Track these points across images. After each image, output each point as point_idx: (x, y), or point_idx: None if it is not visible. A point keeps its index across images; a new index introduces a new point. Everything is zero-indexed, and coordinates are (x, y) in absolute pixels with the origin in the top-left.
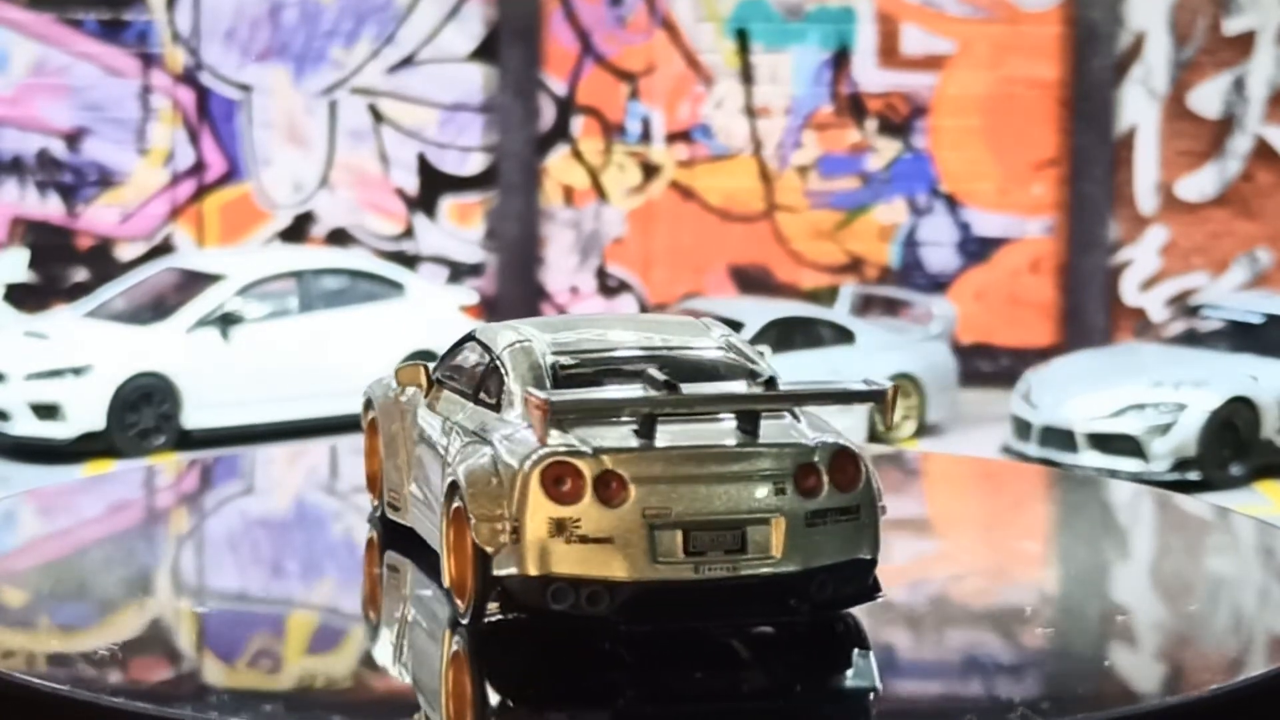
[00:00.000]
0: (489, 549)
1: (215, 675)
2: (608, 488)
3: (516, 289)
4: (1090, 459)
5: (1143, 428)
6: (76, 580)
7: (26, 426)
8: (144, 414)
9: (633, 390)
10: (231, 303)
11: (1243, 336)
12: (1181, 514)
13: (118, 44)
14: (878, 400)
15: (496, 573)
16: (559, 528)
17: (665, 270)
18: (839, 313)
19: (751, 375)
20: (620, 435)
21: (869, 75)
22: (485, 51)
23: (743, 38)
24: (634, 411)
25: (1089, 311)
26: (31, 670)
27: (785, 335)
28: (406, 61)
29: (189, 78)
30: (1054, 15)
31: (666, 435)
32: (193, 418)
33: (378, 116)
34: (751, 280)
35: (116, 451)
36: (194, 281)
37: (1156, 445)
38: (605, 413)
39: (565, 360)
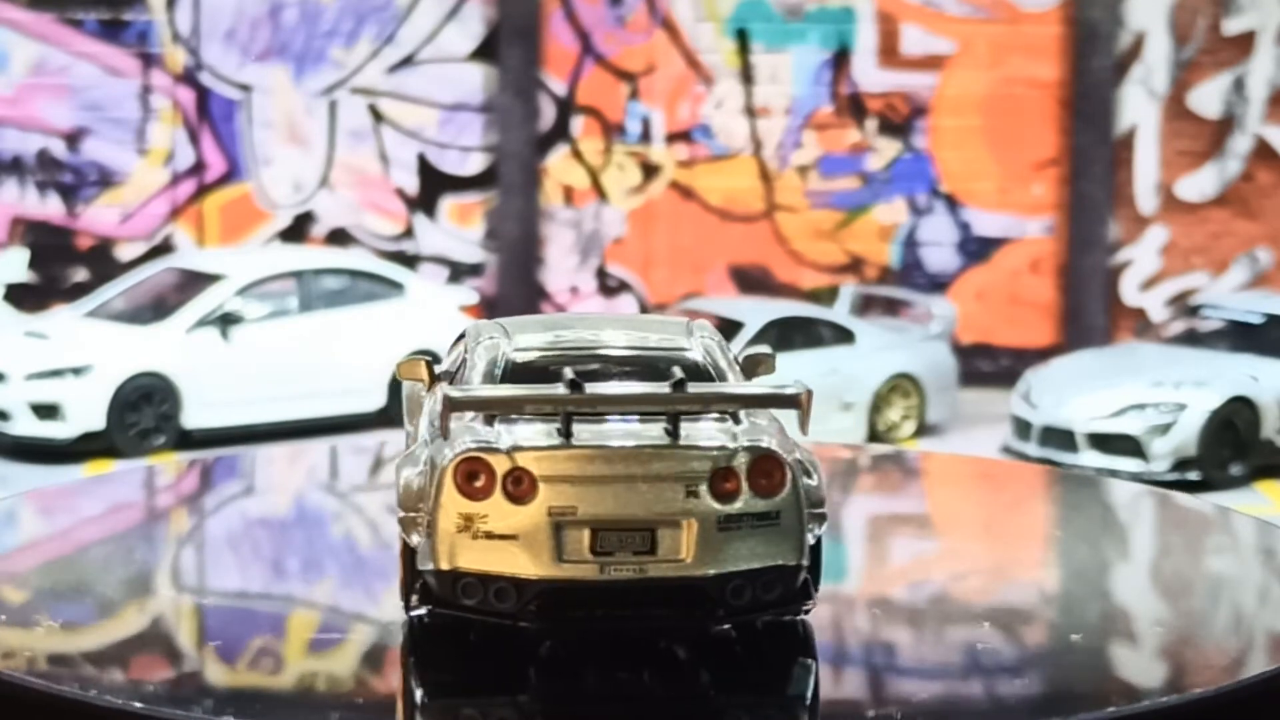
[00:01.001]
0: (412, 543)
1: (215, 675)
2: (517, 485)
3: (516, 289)
4: (1090, 459)
5: (1143, 428)
6: (76, 580)
7: (26, 426)
8: (144, 414)
9: (536, 388)
10: (231, 303)
11: (1243, 336)
12: (1182, 513)
13: (118, 44)
14: (792, 405)
15: (419, 567)
16: (466, 523)
17: (665, 270)
18: (839, 313)
19: (714, 377)
20: (544, 433)
21: (869, 75)
22: (485, 51)
23: (743, 38)
24: (538, 409)
25: (1089, 311)
26: (31, 670)
27: (785, 335)
28: (406, 61)
29: (189, 78)
30: (1054, 15)
31: (593, 435)
32: (193, 418)
33: (378, 116)
34: (751, 280)
35: (116, 451)
36: (194, 281)
37: (1156, 445)
38: (505, 409)
39: (521, 358)
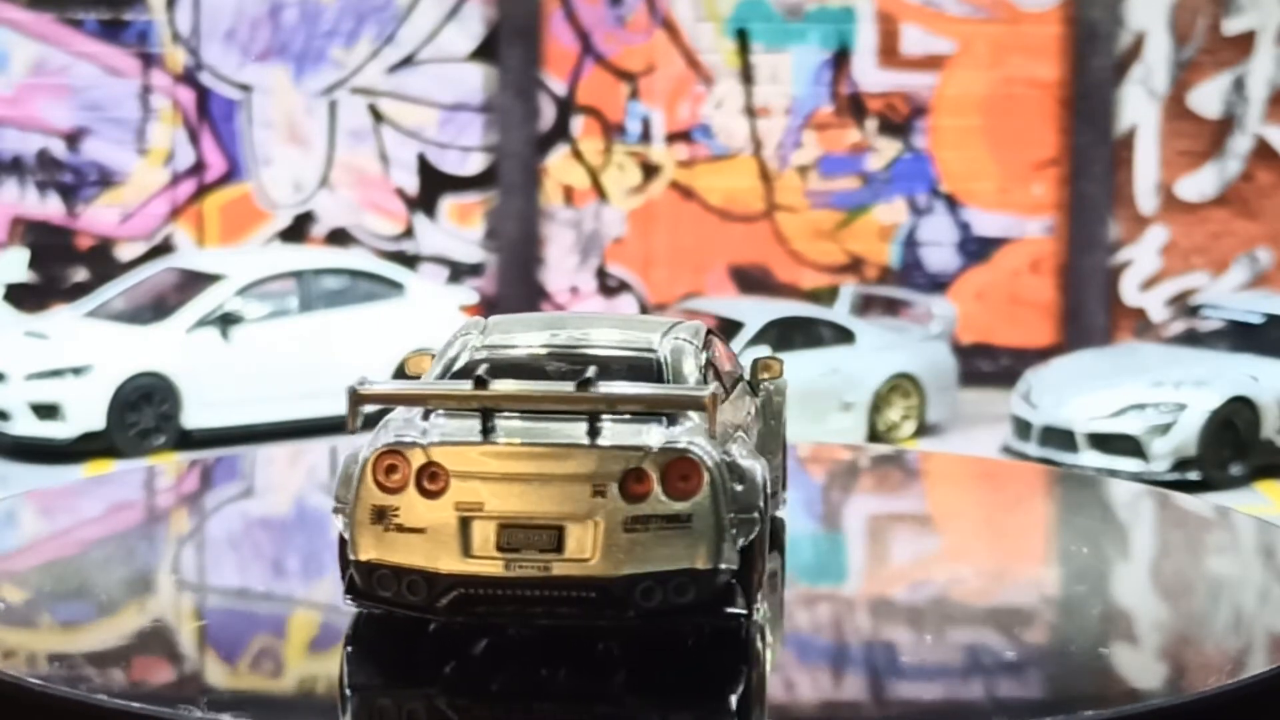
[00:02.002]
0: (344, 534)
1: (215, 675)
2: (432, 479)
3: (516, 289)
4: (1090, 459)
5: (1143, 427)
6: (77, 580)
7: (26, 426)
8: (144, 414)
9: (441, 384)
10: (231, 303)
11: (1243, 336)
12: (1181, 513)
13: (118, 44)
14: (697, 407)
15: (349, 557)
16: (380, 515)
17: (665, 270)
18: (839, 313)
19: (669, 378)
20: (469, 429)
21: (869, 75)
22: (485, 51)
23: (743, 38)
24: (443, 404)
25: (1089, 311)
26: (32, 670)
27: (785, 335)
28: (406, 61)
29: (189, 78)
30: (1054, 15)
31: (513, 433)
32: (193, 418)
33: (378, 116)
34: (751, 280)
35: (116, 451)
36: (194, 281)
37: (1157, 445)
38: (410, 404)
39: (480, 356)
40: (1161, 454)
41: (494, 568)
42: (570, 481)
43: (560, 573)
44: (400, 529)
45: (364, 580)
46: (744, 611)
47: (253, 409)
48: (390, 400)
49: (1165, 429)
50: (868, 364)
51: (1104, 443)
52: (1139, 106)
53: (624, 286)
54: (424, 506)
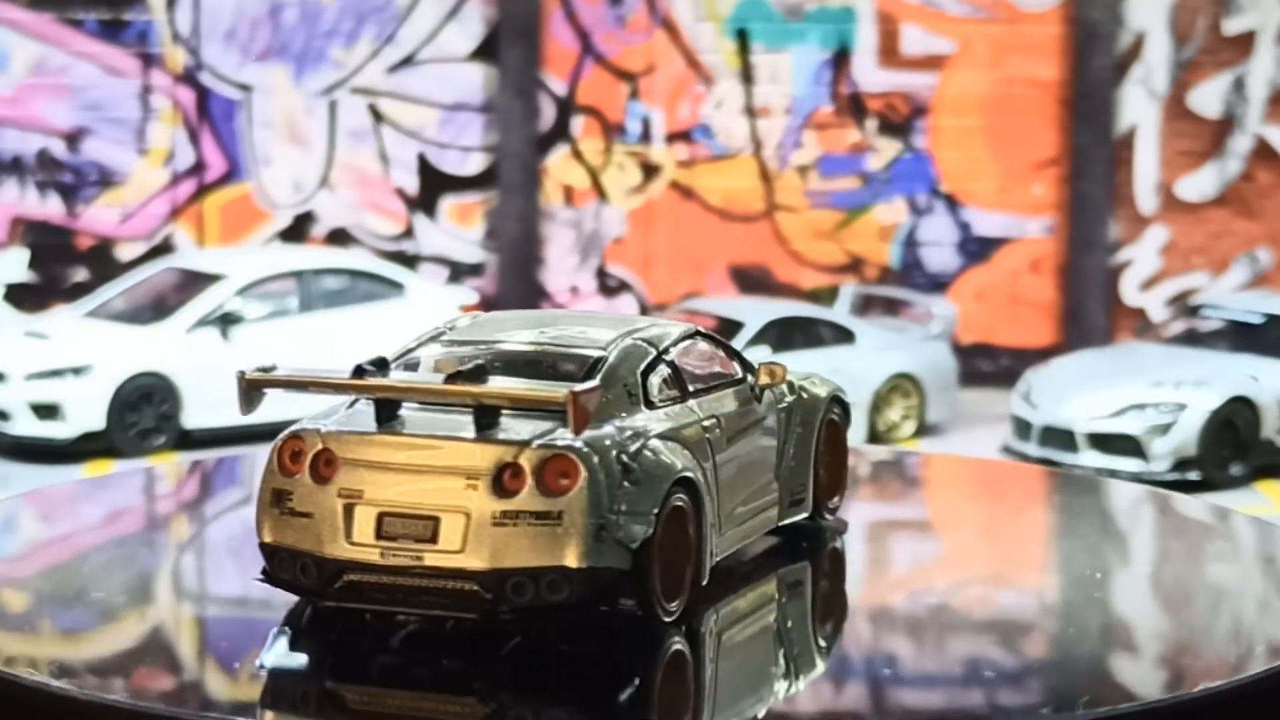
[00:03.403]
0: None
1: (215, 680)
2: (324, 465)
3: (516, 289)
4: (1090, 459)
5: (1143, 428)
6: (77, 584)
7: (26, 426)
8: (144, 414)
9: (321, 372)
10: (231, 303)
11: (1243, 336)
12: (1182, 515)
13: (118, 44)
14: (553, 406)
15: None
16: (278, 499)
17: (665, 270)
18: (839, 313)
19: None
20: (369, 418)
21: (869, 75)
22: (485, 51)
23: (743, 38)
24: (322, 391)
25: (1089, 311)
26: (32, 673)
27: (785, 335)
28: (406, 61)
29: (189, 78)
30: (1054, 15)
31: (407, 424)
32: (193, 417)
33: (378, 116)
34: (751, 280)
35: (116, 451)
36: (194, 281)
37: (1157, 445)
38: (295, 390)
39: (432, 350)
40: (1161, 454)
41: (371, 555)
42: (445, 474)
43: (431, 563)
44: (293, 513)
45: (268, 562)
46: (638, 611)
47: None
48: (277, 386)
49: (1165, 429)
50: (868, 364)
51: (1104, 443)
52: (1139, 106)
53: (624, 286)
54: (314, 492)
